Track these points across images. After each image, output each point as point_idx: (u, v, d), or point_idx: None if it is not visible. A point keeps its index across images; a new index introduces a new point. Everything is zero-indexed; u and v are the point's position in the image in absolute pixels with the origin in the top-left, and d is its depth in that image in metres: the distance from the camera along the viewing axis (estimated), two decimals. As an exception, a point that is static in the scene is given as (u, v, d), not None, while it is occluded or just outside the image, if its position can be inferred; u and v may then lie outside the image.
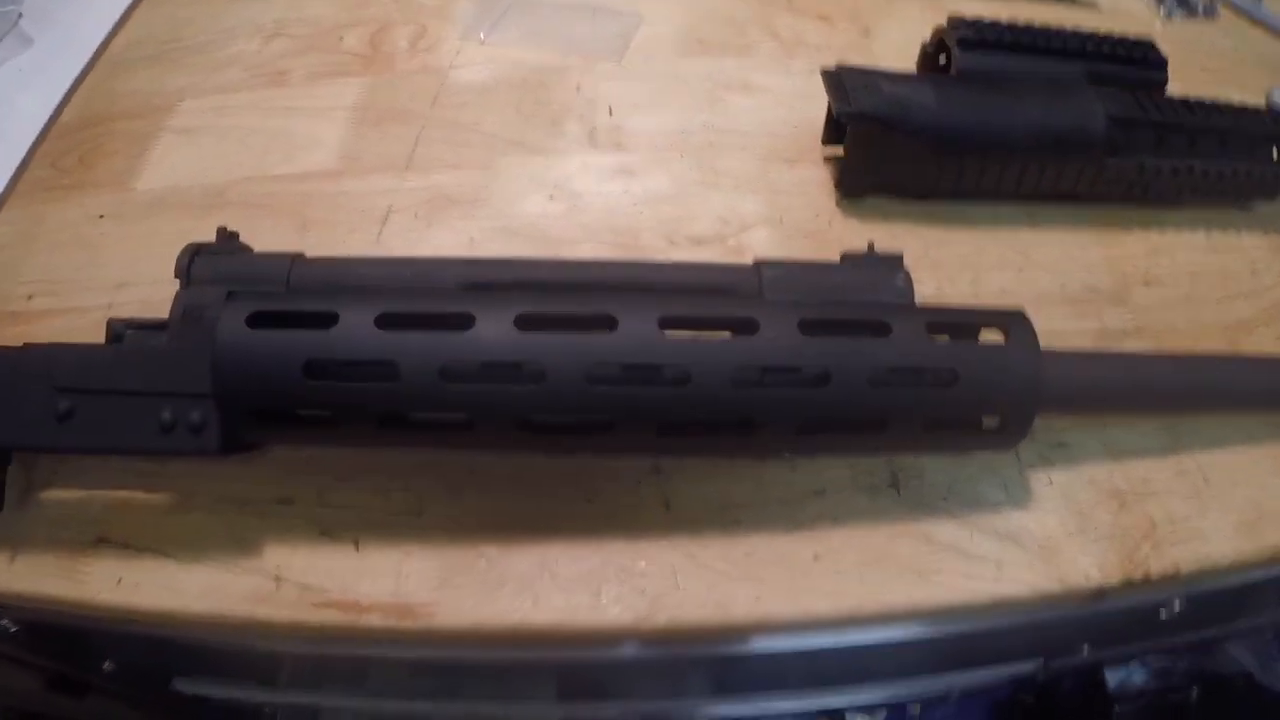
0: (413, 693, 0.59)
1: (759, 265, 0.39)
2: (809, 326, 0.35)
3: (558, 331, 0.34)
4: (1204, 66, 0.64)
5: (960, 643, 0.48)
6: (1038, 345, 0.38)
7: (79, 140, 0.59)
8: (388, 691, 0.60)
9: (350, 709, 0.73)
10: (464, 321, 0.34)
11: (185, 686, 0.55)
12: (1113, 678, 0.87)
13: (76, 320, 0.49)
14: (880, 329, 0.36)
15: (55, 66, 0.64)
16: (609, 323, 0.34)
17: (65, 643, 0.51)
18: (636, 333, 0.34)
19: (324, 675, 0.57)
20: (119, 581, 0.41)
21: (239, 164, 0.56)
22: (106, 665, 0.54)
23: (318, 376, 0.34)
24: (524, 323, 0.34)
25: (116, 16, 0.68)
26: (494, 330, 0.34)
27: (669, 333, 0.35)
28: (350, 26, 0.65)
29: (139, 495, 0.43)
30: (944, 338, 0.39)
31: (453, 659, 0.48)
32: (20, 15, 0.66)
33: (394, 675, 0.56)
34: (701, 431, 0.37)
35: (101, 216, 0.54)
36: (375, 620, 0.39)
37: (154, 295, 0.50)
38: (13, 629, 0.46)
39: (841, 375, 0.35)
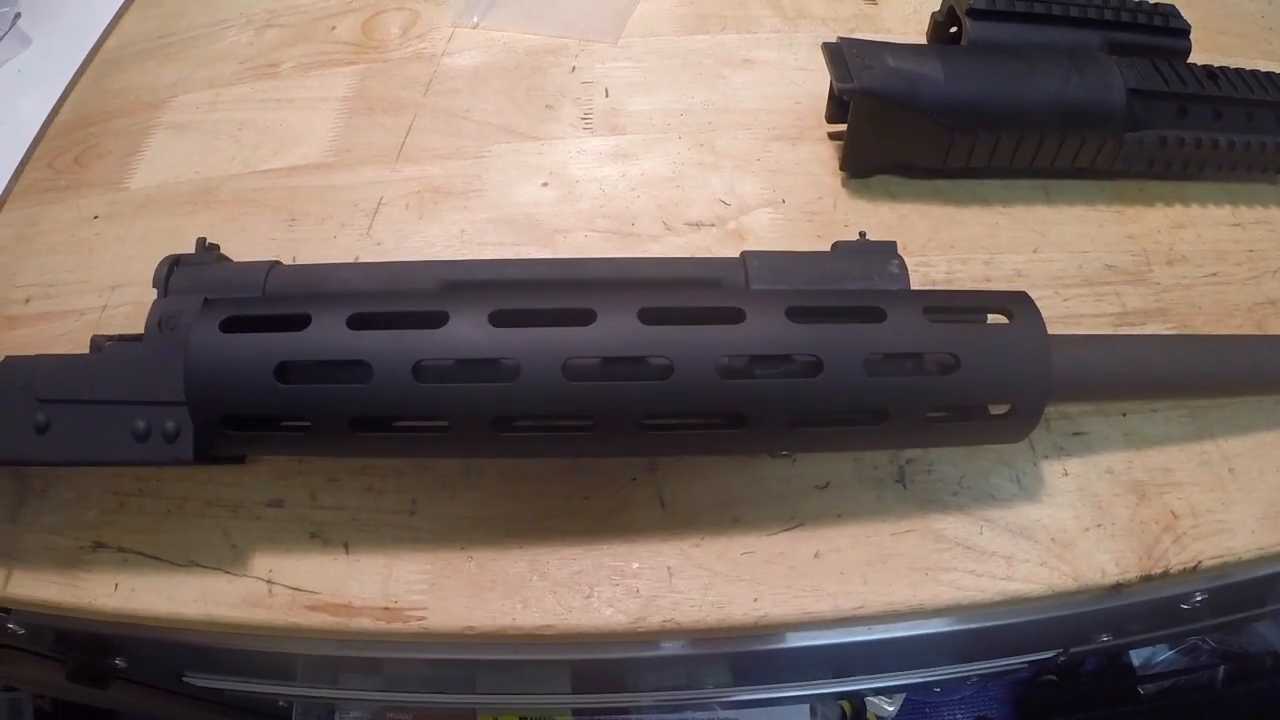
0: (428, 686, 0.59)
1: (745, 257, 0.37)
2: (798, 314, 0.34)
3: (533, 327, 0.33)
4: (1229, 33, 0.61)
5: (974, 637, 0.47)
6: (1043, 325, 0.36)
7: (74, 140, 0.59)
8: (402, 685, 0.60)
9: (365, 701, 0.74)
10: (437, 319, 0.33)
11: (196, 680, 0.56)
12: (1137, 657, 0.85)
13: (72, 323, 0.49)
14: (874, 315, 0.34)
15: (54, 66, 0.64)
16: (587, 317, 0.33)
17: (74, 644, 0.52)
18: (615, 325, 0.32)
19: (337, 669, 0.57)
20: (116, 587, 0.41)
21: (230, 159, 0.55)
22: (118, 662, 0.54)
23: (290, 380, 0.33)
24: (499, 319, 0.33)
25: (113, 13, 0.67)
26: (468, 327, 0.32)
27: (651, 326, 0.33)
28: (342, 15, 0.63)
29: (134, 500, 0.43)
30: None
31: (464, 655, 0.48)
32: (18, 15, 0.66)
33: (408, 669, 0.55)
34: (690, 428, 0.35)
35: (95, 217, 0.54)
36: (366, 623, 0.39)
37: (146, 296, 0.48)
38: (20, 631, 0.47)
39: (835, 362, 0.33)
